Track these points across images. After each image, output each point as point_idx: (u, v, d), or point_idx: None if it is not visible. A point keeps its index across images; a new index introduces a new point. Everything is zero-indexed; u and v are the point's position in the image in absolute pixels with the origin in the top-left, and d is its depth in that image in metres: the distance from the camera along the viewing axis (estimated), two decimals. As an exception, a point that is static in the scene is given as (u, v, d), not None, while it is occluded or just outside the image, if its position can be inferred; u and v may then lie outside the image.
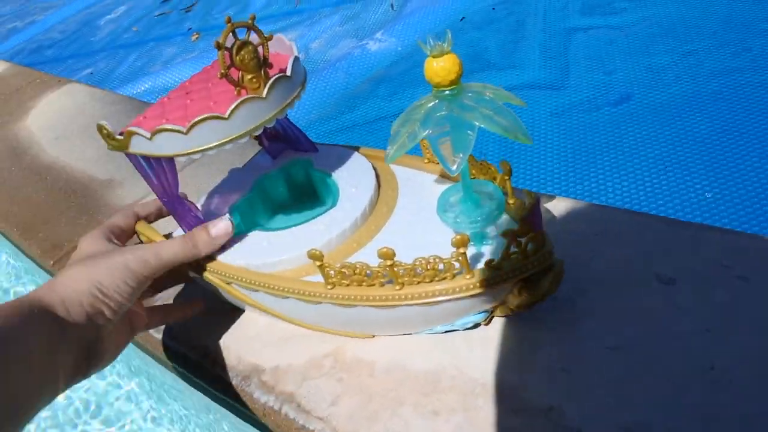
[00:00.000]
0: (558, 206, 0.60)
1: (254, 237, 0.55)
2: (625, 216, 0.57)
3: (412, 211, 0.55)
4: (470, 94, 0.43)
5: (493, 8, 2.00)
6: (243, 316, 0.58)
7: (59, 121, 1.14)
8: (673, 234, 0.53)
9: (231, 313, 0.58)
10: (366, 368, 0.49)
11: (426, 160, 0.60)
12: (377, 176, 0.59)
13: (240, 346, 0.55)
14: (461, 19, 1.99)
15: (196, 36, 2.60)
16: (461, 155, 0.41)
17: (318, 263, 0.47)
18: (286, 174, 0.62)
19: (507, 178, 0.51)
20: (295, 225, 0.54)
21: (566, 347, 0.47)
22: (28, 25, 3.39)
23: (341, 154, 0.62)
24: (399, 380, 0.48)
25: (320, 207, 0.56)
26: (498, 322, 0.50)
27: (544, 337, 0.48)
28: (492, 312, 0.50)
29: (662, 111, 1.37)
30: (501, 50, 1.78)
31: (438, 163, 0.58)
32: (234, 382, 0.52)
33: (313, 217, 0.54)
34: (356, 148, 0.63)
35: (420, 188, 0.57)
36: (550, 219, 0.59)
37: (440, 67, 0.41)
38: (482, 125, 0.41)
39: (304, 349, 0.53)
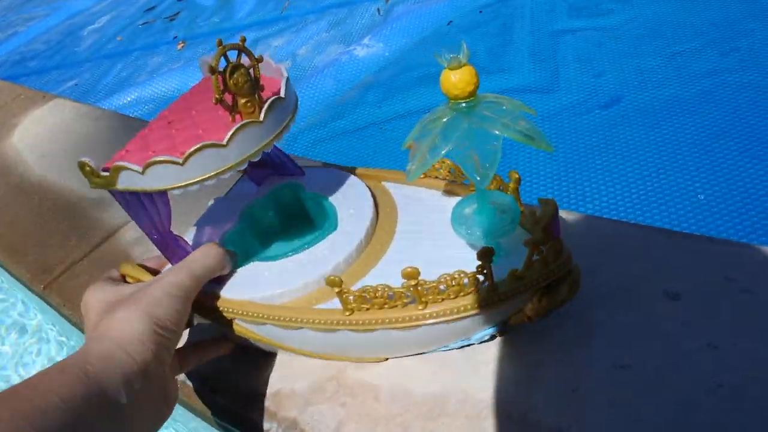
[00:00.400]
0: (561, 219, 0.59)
1: (253, 269, 0.52)
2: (627, 229, 0.57)
3: (416, 228, 0.53)
4: (487, 105, 0.42)
5: (480, 11, 2.00)
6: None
7: (46, 139, 1.13)
8: (675, 246, 0.53)
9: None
10: (370, 392, 0.48)
11: (422, 175, 0.57)
12: (373, 195, 0.57)
13: (238, 369, 0.54)
14: (448, 23, 1.98)
15: (182, 44, 2.58)
16: (489, 166, 0.41)
17: (337, 289, 0.45)
18: (276, 200, 0.59)
19: (516, 187, 0.50)
20: (294, 252, 0.52)
21: (573, 366, 0.46)
22: (10, 37, 3.36)
23: (330, 175, 0.60)
24: (404, 405, 0.47)
25: (317, 232, 0.54)
26: (502, 341, 0.50)
27: (550, 356, 0.47)
28: (507, 322, 0.48)
29: (652, 113, 1.38)
30: (489, 54, 1.78)
31: (433, 177, 0.57)
32: (234, 409, 0.51)
33: (313, 243, 0.52)
34: (344, 168, 0.62)
35: (418, 204, 0.56)
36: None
37: (458, 79, 0.40)
38: (506, 135, 0.40)
39: (306, 373, 0.52)
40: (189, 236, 0.57)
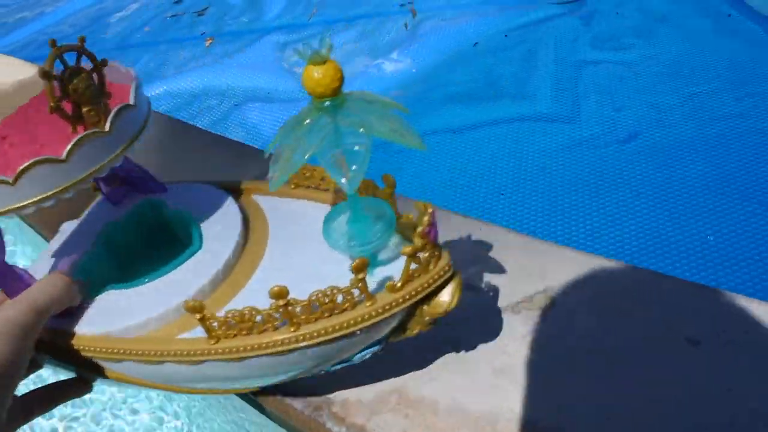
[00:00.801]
0: (581, 263, 0.66)
1: (109, 298, 0.48)
2: (645, 276, 0.64)
3: (288, 242, 0.50)
4: (354, 103, 0.39)
5: (506, 35, 2.07)
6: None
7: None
8: (690, 296, 0.60)
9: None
10: (429, 407, 0.56)
11: (293, 186, 0.56)
12: (242, 209, 0.54)
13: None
14: (474, 44, 2.06)
15: (210, 41, 2.64)
16: (357, 168, 0.38)
17: (198, 316, 0.41)
18: (136, 219, 0.55)
19: (390, 192, 0.48)
20: (155, 277, 0.48)
21: (608, 396, 0.54)
22: (38, 16, 3.41)
23: (196, 190, 0.56)
24: (460, 421, 0.54)
25: (180, 253, 0.49)
26: (541, 363, 0.57)
27: (586, 385, 0.55)
28: (389, 337, 0.47)
29: (667, 151, 1.45)
30: (514, 79, 1.85)
31: (306, 187, 0.55)
32: (306, 412, 0.58)
33: (175, 266, 0.48)
34: (211, 182, 0.58)
35: (291, 216, 0.53)
36: (579, 279, 0.65)
37: (322, 75, 0.37)
38: (374, 134, 0.38)
39: (369, 384, 0.59)
40: (37, 265, 0.52)
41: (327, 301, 0.41)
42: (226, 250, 0.48)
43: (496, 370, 0.57)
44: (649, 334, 0.58)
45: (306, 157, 0.38)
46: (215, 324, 0.42)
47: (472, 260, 0.69)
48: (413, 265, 0.42)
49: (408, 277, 0.42)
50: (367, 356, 0.48)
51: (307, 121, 0.39)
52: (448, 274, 0.43)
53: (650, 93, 1.66)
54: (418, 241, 0.41)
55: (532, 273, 0.66)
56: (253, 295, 0.45)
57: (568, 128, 1.60)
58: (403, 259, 0.42)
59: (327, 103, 0.38)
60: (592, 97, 1.69)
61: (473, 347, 0.60)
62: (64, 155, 0.39)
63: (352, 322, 0.42)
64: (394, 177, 0.48)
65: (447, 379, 0.58)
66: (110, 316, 0.46)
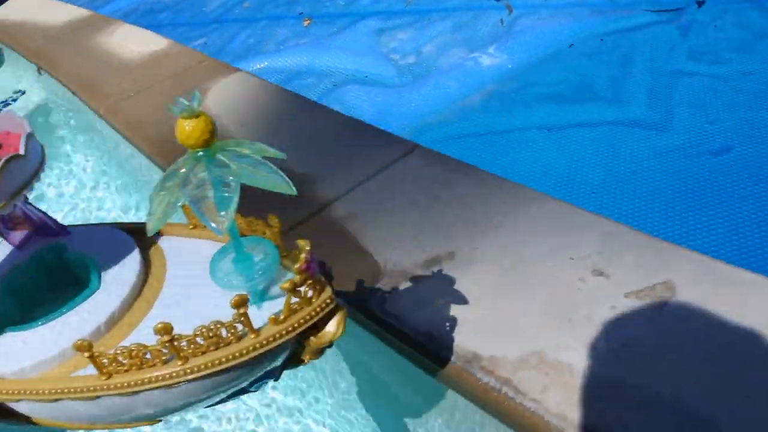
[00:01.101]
0: (697, 262, 0.75)
1: (5, 341, 0.49)
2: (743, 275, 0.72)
3: (185, 281, 0.54)
4: (226, 153, 0.43)
5: (602, 39, 2.12)
6: (461, 307, 0.74)
7: (238, 108, 1.33)
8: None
9: (451, 303, 0.75)
10: (566, 369, 0.66)
11: (191, 226, 0.59)
12: (141, 250, 0.56)
13: (460, 333, 0.72)
14: (570, 46, 2.12)
15: (308, 21, 2.76)
16: (226, 214, 0.41)
17: (87, 354, 0.43)
18: (38, 263, 0.57)
19: (277, 231, 0.52)
20: (53, 318, 0.50)
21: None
22: (138, -13, 3.58)
23: (97, 233, 0.59)
24: (592, 383, 0.64)
25: (79, 294, 0.52)
26: (658, 341, 0.66)
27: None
28: (283, 367, 0.50)
29: (760, 166, 1.50)
30: (608, 82, 1.91)
31: (204, 228, 0.58)
32: (459, 364, 0.69)
33: (74, 306, 0.51)
34: (114, 224, 0.61)
35: (189, 256, 0.56)
36: (694, 274, 0.74)
37: (192, 128, 0.41)
38: (244, 181, 0.42)
39: (512, 345, 0.69)
40: None
41: (211, 335, 0.44)
42: (123, 291, 0.51)
43: (621, 345, 0.67)
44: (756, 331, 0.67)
45: (179, 205, 0.42)
46: (105, 361, 0.44)
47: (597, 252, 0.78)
48: (294, 299, 0.45)
49: (290, 311, 0.46)
50: (264, 384, 0.51)
51: (183, 170, 0.42)
52: (331, 306, 0.47)
53: (745, 108, 1.70)
54: (297, 277, 0.44)
55: (651, 267, 0.75)
56: (147, 333, 0.46)
57: (661, 136, 1.66)
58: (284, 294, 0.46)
59: (200, 153, 0.42)
60: (685, 108, 1.74)
61: (600, 323, 0.70)
62: None
63: (237, 354, 0.45)
64: (279, 218, 0.53)
65: (581, 350, 0.68)
66: (5, 359, 0.48)
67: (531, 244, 0.81)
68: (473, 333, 0.72)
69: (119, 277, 0.53)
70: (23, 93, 2.13)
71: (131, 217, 1.60)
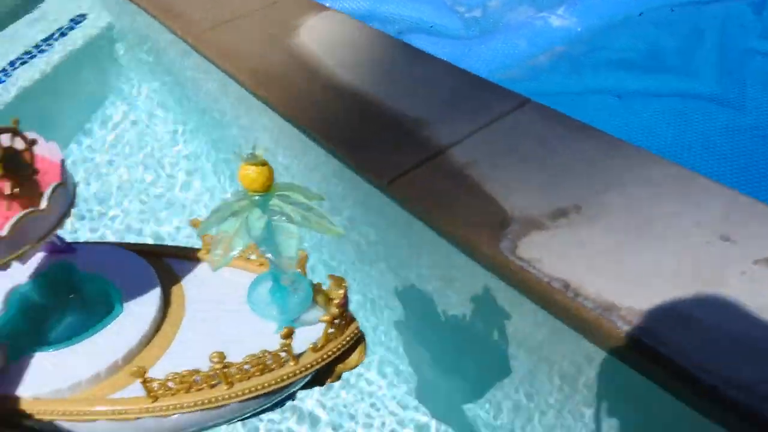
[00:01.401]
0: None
1: (33, 361, 0.49)
2: None
3: (205, 305, 0.55)
4: (280, 198, 0.46)
5: (672, 10, 2.11)
6: (594, 258, 0.78)
7: (335, 50, 1.33)
8: None
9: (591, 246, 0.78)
10: (703, 326, 0.70)
11: (204, 252, 0.60)
12: (157, 272, 0.57)
13: (595, 283, 0.75)
14: (640, 14, 2.11)
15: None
16: (291, 258, 0.46)
17: (141, 379, 0.45)
18: (48, 282, 0.56)
19: (304, 264, 0.55)
20: (79, 340, 0.51)
21: None
22: None
23: (105, 253, 0.58)
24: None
25: (101, 315, 0.52)
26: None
27: None
28: (304, 386, 0.54)
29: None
30: (677, 54, 1.91)
31: (208, 253, 0.59)
32: (598, 312, 0.73)
33: (99, 328, 0.52)
34: (119, 245, 0.61)
35: (203, 280, 0.58)
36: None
37: (258, 174, 0.45)
38: (297, 225, 0.46)
39: (648, 299, 0.73)
40: None
41: (259, 363, 0.48)
42: (150, 313, 0.52)
43: (757, 308, 0.70)
44: None
45: (244, 245, 0.46)
46: (156, 385, 0.47)
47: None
48: (330, 330, 0.50)
49: (327, 340, 0.50)
50: (282, 404, 0.56)
51: (243, 212, 0.45)
52: (357, 336, 0.52)
53: (817, 92, 1.71)
54: (335, 311, 0.49)
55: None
56: (179, 356, 0.49)
57: (732, 113, 1.68)
58: (318, 323, 0.50)
59: (257, 197, 0.46)
60: (759, 87, 1.74)
61: (733, 287, 0.73)
62: (5, 231, 0.41)
63: (279, 379, 0.49)
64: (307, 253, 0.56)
65: (719, 309, 0.71)
66: (35, 379, 0.48)
67: (657, 205, 0.84)
68: (609, 283, 0.76)
69: (142, 300, 0.54)
70: (84, 18, 1.91)
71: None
